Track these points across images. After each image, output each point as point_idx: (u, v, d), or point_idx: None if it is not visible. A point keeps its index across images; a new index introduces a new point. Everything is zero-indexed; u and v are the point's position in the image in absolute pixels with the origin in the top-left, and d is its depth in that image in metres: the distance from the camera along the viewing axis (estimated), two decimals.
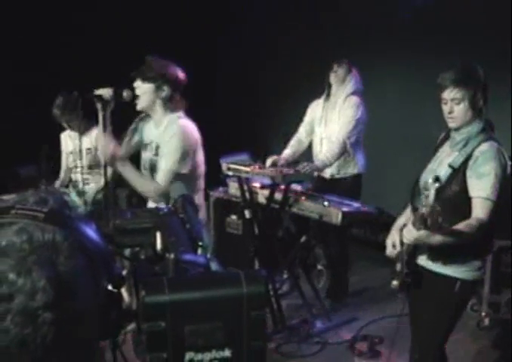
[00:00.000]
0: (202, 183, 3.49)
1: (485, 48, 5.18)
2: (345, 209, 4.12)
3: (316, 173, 4.79)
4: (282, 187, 4.34)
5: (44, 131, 4.68)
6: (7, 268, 0.89)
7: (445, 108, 2.85)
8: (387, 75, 6.39)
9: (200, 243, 1.41)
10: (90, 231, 1.05)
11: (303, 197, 4.36)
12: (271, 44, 7.42)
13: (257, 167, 4.35)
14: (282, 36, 7.26)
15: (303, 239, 4.46)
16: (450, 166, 2.81)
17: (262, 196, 4.52)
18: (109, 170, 4.66)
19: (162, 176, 3.33)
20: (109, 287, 1.08)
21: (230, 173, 4.48)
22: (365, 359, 4.13)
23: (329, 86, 4.80)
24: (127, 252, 1.74)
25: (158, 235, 1.45)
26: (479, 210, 2.74)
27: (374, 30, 6.29)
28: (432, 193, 2.48)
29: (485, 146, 2.76)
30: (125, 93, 3.25)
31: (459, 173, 2.78)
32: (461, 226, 2.72)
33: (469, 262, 2.89)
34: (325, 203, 4.16)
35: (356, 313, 4.79)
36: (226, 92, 7.81)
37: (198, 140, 3.39)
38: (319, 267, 5.29)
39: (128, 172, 3.32)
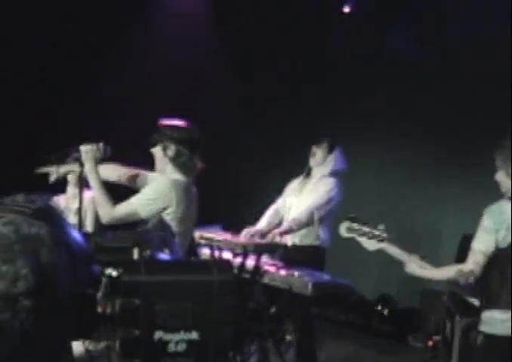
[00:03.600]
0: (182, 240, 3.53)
1: None
2: (316, 280, 4.15)
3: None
4: (254, 257, 4.37)
5: None
6: None
7: None
8: (365, 155, 6.63)
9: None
10: (74, 232, 1.12)
11: (274, 268, 4.39)
12: (255, 118, 7.61)
13: (229, 236, 4.39)
14: (267, 108, 7.47)
15: (272, 310, 4.44)
16: None
17: (234, 266, 4.52)
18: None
19: (122, 205, 3.33)
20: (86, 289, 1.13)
21: (203, 242, 4.49)
22: None
23: (310, 168, 4.90)
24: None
25: (136, 252, 1.52)
26: None
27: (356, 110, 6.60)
28: None
29: None
30: (108, 150, 3.41)
31: None
32: None
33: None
34: (296, 273, 4.20)
35: None
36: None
37: (179, 200, 3.43)
38: (288, 338, 5.21)
39: (93, 180, 3.30)
